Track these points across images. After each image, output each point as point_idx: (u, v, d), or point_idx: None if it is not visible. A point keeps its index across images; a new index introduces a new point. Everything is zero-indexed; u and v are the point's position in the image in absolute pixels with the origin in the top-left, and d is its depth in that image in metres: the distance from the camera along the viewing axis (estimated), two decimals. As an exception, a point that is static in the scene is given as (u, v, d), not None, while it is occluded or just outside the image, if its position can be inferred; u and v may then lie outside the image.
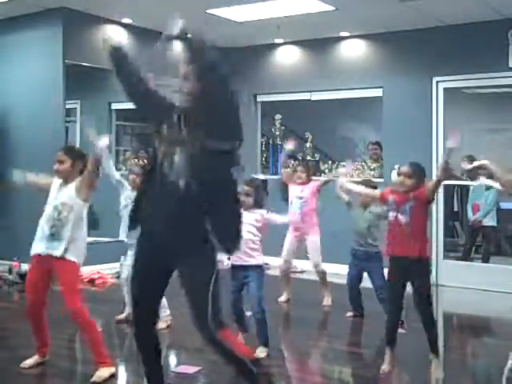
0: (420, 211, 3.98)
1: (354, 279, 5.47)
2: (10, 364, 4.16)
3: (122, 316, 5.27)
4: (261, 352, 4.33)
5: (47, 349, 4.17)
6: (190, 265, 2.97)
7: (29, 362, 4.10)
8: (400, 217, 3.98)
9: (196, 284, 2.97)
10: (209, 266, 2.96)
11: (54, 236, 3.91)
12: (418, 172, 4.06)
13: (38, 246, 3.98)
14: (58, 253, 3.88)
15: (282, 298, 6.22)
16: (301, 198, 6.04)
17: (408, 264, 3.94)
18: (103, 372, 3.91)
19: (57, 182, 4.07)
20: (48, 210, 3.99)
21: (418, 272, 3.99)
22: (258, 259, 4.37)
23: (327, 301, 6.09)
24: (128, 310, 5.06)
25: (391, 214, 4.04)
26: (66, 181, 4.02)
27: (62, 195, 3.98)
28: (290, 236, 6.13)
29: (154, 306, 3.17)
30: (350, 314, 5.60)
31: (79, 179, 3.98)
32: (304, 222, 6.04)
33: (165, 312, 5.01)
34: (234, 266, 4.39)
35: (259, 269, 4.38)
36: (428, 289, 4.05)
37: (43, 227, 3.97)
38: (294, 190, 6.10)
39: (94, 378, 3.86)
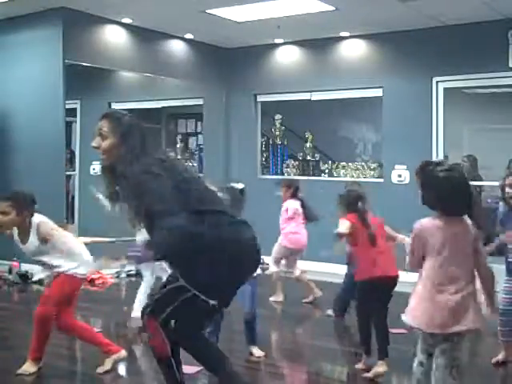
0: None
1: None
2: (10, 364, 4.15)
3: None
4: (256, 352, 4.38)
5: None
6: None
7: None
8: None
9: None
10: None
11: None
12: None
13: None
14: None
15: (274, 298, 6.22)
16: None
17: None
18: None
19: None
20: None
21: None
22: None
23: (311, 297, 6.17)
24: None
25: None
26: (18, 229, 3.96)
27: (29, 250, 3.97)
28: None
29: None
30: (330, 312, 5.60)
31: (36, 233, 3.88)
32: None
33: None
34: None
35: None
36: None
37: None
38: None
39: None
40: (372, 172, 8.13)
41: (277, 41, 8.49)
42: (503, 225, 4.18)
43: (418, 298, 2.87)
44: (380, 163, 8.03)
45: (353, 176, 8.20)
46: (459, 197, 2.84)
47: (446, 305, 2.80)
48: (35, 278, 6.72)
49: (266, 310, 5.32)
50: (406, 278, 3.83)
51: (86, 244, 4.16)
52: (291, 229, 6.04)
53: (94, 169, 9.81)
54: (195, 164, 9.44)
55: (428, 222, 2.88)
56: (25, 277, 6.80)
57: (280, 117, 9.08)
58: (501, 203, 4.32)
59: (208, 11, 6.99)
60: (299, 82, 8.44)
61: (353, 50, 8.08)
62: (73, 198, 9.52)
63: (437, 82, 7.43)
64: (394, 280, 4.05)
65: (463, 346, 2.95)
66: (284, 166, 8.93)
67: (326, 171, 8.50)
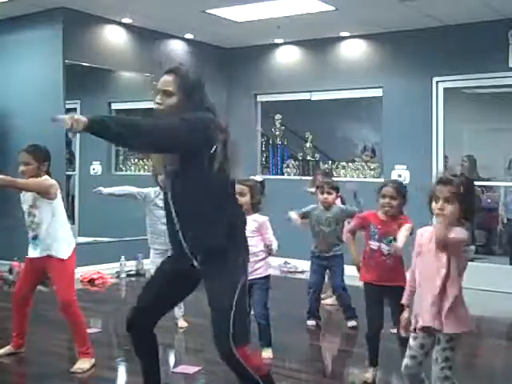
0: None
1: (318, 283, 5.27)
2: (11, 364, 4.15)
3: None
4: (266, 353, 4.31)
5: (23, 341, 4.23)
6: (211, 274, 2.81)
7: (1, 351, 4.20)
8: (383, 247, 3.86)
9: (217, 293, 2.80)
10: (231, 276, 2.79)
11: (35, 239, 4.05)
12: (403, 191, 3.94)
13: (29, 250, 4.12)
14: (42, 253, 4.02)
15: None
16: None
17: (388, 291, 3.83)
18: (84, 363, 3.99)
19: None
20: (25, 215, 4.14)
21: (396, 300, 3.74)
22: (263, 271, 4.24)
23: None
24: None
25: (373, 243, 3.89)
26: None
27: (28, 198, 4.14)
28: None
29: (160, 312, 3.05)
30: (311, 322, 5.31)
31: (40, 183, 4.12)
32: None
33: (180, 309, 5.01)
34: None
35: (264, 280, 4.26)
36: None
37: (28, 232, 4.12)
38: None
39: (75, 369, 3.94)
40: (372, 172, 8.13)
41: (277, 41, 8.49)
42: None
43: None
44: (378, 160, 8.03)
45: (353, 176, 8.20)
46: None
47: None
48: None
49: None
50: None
51: None
52: None
53: (94, 169, 9.81)
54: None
55: None
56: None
57: (280, 117, 9.07)
58: None
59: (208, 11, 6.99)
60: (299, 82, 8.45)
61: (353, 50, 8.08)
62: (73, 198, 9.51)
63: (437, 82, 7.42)
64: None
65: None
66: (284, 166, 8.92)
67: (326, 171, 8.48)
